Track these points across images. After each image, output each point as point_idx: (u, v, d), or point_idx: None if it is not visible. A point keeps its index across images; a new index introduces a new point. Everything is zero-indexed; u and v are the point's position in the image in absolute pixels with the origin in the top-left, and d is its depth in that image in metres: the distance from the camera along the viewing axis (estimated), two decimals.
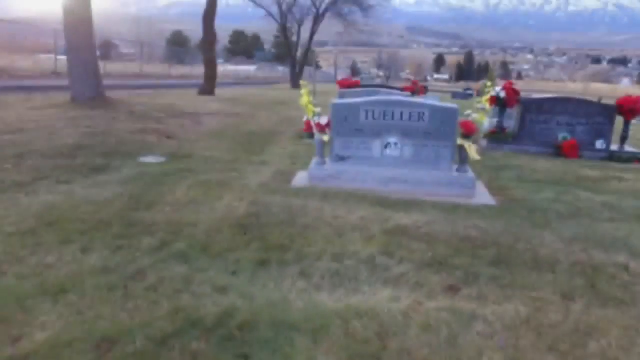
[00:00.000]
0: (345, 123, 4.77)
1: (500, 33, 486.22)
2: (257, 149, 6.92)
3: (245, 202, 3.95)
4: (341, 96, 8.62)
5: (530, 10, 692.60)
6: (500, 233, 3.50)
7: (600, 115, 7.97)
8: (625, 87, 76.85)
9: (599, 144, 7.94)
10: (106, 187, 4.40)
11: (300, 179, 5.03)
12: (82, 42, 9.09)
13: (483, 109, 4.79)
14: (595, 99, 9.91)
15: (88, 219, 3.44)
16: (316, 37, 34.65)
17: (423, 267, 2.85)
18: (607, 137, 7.98)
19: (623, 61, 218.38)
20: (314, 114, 4.79)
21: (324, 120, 4.76)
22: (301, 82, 4.99)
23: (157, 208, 3.79)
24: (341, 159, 4.86)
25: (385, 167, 4.79)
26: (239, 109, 12.13)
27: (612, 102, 8.49)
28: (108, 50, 42.86)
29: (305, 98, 4.79)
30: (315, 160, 5.02)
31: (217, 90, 17.75)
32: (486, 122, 4.74)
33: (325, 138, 4.83)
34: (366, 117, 4.74)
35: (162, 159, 5.83)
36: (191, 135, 7.63)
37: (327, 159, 4.97)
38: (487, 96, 4.84)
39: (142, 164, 5.47)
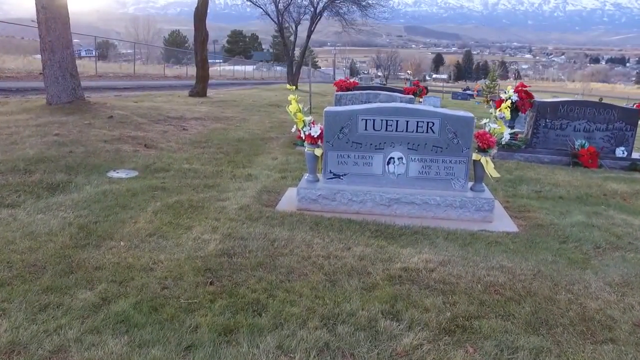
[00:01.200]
0: (340, 134, 4.08)
1: (498, 33, 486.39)
2: (244, 160, 6.22)
3: (218, 235, 3.25)
4: (337, 101, 7.92)
5: (529, 9, 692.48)
6: (532, 277, 2.81)
7: (621, 120, 7.29)
8: None
9: (620, 152, 7.26)
10: (57, 212, 3.70)
11: (289, 199, 4.34)
12: (57, 41, 8.37)
13: (502, 118, 4.10)
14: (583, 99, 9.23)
15: (18, 261, 2.75)
16: (315, 37, 33.88)
17: (441, 335, 2.16)
18: (628, 144, 7.30)
19: (621, 60, 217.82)
20: (305, 124, 4.09)
21: (315, 132, 4.07)
22: (288, 86, 4.29)
23: (109, 244, 3.09)
24: (336, 176, 4.17)
25: (388, 186, 4.09)
26: (230, 112, 11.42)
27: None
28: (106, 50, 42.18)
29: (294, 105, 4.10)
30: (306, 177, 4.33)
31: (211, 91, 17.05)
32: (506, 133, 4.04)
33: (318, 152, 4.14)
34: (365, 128, 4.05)
35: (133, 174, 5.13)
36: (172, 144, 6.92)
37: (320, 176, 4.28)
38: (507, 103, 4.15)
39: (109, 180, 4.77)
